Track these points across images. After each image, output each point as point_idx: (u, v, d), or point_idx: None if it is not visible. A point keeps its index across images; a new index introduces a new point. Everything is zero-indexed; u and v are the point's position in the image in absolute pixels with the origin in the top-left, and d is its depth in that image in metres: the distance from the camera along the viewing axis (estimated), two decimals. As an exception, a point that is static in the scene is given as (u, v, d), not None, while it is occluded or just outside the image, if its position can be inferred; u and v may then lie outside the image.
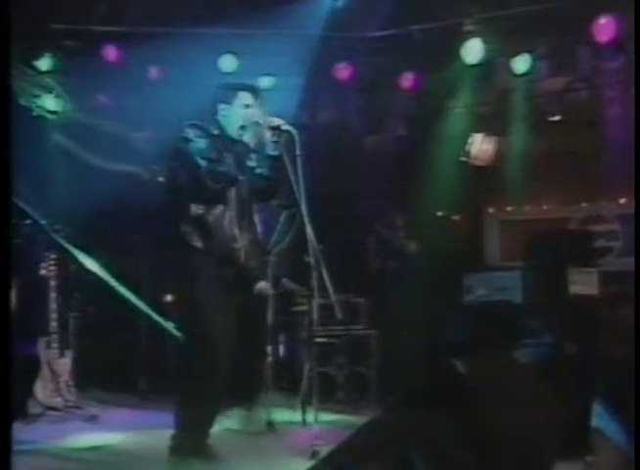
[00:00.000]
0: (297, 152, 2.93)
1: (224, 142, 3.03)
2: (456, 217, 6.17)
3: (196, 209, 2.92)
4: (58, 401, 4.16)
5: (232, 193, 3.00)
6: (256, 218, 3.14)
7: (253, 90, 3.10)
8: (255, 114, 3.04)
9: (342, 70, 5.47)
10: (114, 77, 5.22)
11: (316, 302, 3.10)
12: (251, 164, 3.12)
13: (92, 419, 4.09)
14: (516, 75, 5.19)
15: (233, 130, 3.04)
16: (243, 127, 3.02)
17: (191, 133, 2.95)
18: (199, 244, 2.93)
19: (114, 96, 5.41)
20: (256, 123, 3.01)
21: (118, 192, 4.87)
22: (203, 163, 2.90)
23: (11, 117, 1.96)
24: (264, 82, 5.14)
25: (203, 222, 2.93)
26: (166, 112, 4.85)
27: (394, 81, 5.53)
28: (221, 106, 3.06)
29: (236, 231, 2.99)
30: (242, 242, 3.01)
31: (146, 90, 5.18)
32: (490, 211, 6.28)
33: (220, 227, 2.95)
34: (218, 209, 2.95)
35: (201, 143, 2.94)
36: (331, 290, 2.98)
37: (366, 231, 5.45)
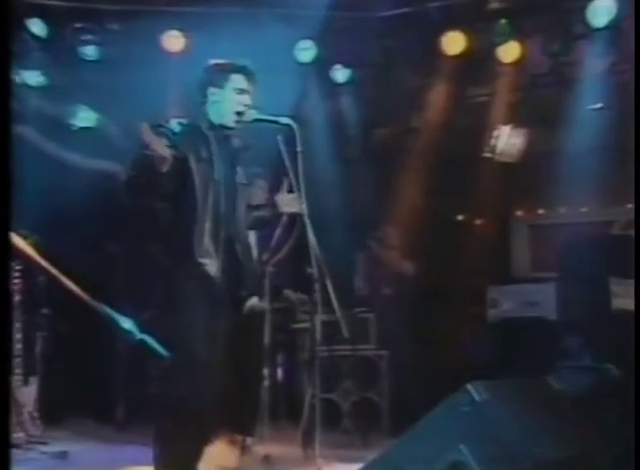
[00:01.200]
0: (299, 148, 2.93)
1: (210, 135, 3.02)
2: (479, 221, 6.18)
3: (163, 220, 2.93)
4: (20, 437, 4.11)
5: (210, 199, 2.95)
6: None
7: (247, 72, 3.08)
8: (250, 102, 3.04)
9: (348, 54, 5.48)
10: (90, 62, 5.26)
11: (319, 318, 3.12)
12: (244, 163, 3.13)
13: (61, 456, 4.04)
14: (549, 57, 5.18)
15: (224, 119, 3.04)
16: (239, 114, 3.01)
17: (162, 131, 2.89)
18: (167, 262, 2.94)
19: (90, 84, 5.44)
20: (252, 113, 3.03)
21: (94, 193, 4.89)
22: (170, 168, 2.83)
23: (11, 119, 2.00)
24: (260, 66, 5.19)
25: (171, 237, 2.94)
26: (147, 102, 4.88)
27: (408, 66, 5.55)
28: (212, 90, 3.05)
29: (210, 246, 2.94)
30: (218, 257, 2.96)
31: (126, 76, 5.22)
32: (519, 214, 6.29)
33: (190, 243, 2.92)
34: (191, 218, 2.92)
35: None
36: (336, 304, 2.99)
37: (369, 240, 5.47)
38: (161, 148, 2.77)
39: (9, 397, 1.88)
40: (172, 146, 2.87)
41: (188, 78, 4.79)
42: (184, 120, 3.01)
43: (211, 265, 2.94)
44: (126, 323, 3.64)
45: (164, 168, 2.80)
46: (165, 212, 2.92)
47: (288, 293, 4.63)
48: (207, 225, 2.94)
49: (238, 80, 3.04)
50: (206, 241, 2.94)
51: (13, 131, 2.04)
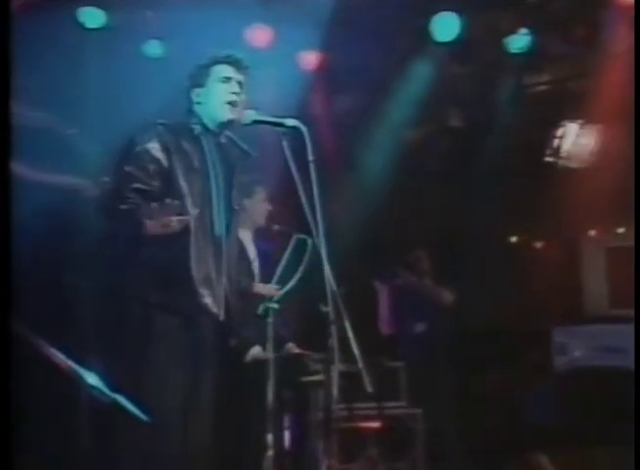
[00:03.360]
0: (310, 157, 3.03)
1: (203, 140, 3.21)
2: (539, 244, 6.27)
3: (151, 244, 3.03)
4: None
5: (207, 216, 3.14)
6: (251, 250, 3.29)
7: (232, 61, 3.28)
8: (240, 89, 3.22)
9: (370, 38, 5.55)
10: (38, 47, 5.43)
11: (336, 368, 3.19)
12: (240, 173, 3.32)
13: None
14: (630, 29, 5.08)
15: (216, 116, 3.24)
16: (231, 104, 3.20)
17: (155, 135, 3.11)
18: (155, 298, 3.07)
19: (35, 74, 5.57)
20: (250, 113, 3.16)
21: (53, 213, 5.01)
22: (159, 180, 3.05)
23: (10, 117, 2.21)
24: (253, 51, 5.28)
25: (160, 264, 3.06)
26: (118, 97, 5.07)
27: (444, 50, 5.55)
28: (195, 91, 3.28)
29: (212, 274, 3.11)
30: (220, 290, 3.13)
31: (86, 64, 5.40)
32: (592, 234, 6.36)
33: (186, 272, 3.06)
34: (184, 242, 3.06)
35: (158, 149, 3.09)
36: (357, 351, 3.03)
37: (398, 266, 5.59)
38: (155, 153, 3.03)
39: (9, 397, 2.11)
40: (162, 151, 3.10)
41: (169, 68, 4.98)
42: (168, 122, 3.21)
43: (212, 298, 3.11)
44: (92, 378, 3.77)
45: (153, 180, 3.04)
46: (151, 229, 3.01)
47: (290, 347, 4.71)
48: (205, 247, 3.11)
49: (221, 70, 3.26)
50: (205, 267, 3.10)
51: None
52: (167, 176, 3.10)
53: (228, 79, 3.24)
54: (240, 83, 3.26)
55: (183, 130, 3.21)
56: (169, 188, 3.08)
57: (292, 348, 4.68)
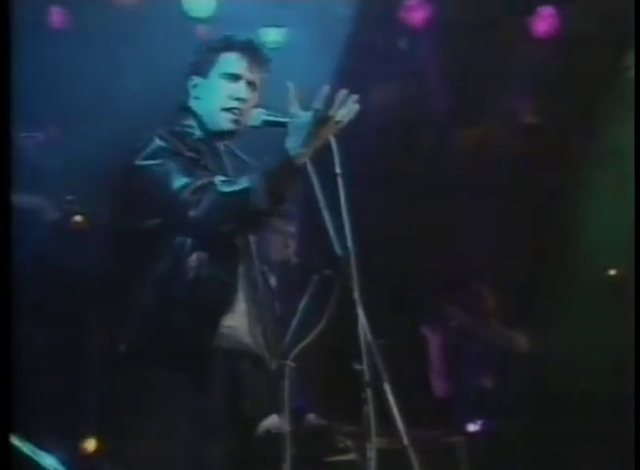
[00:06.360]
0: (337, 169, 3.11)
1: (204, 150, 3.28)
2: None
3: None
4: None
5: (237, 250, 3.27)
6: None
7: (247, 50, 3.33)
8: (250, 94, 3.29)
9: (413, 11, 5.77)
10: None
11: (373, 445, 3.24)
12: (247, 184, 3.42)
13: None
14: None
15: (213, 121, 3.31)
16: (230, 111, 3.27)
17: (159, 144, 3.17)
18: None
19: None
20: (258, 113, 3.24)
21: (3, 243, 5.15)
22: (182, 196, 3.08)
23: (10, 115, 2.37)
24: (269, 37, 5.53)
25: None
26: (83, 92, 5.25)
27: (513, 24, 5.76)
28: (194, 80, 3.35)
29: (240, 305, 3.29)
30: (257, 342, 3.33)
31: (41, 49, 5.57)
32: None
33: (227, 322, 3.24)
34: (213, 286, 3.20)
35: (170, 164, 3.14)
36: (400, 423, 3.07)
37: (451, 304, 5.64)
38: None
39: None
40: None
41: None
42: (166, 130, 3.24)
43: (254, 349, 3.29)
44: (48, 460, 3.80)
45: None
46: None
47: (312, 418, 4.74)
48: (241, 287, 3.29)
49: (229, 61, 3.32)
50: (240, 314, 3.31)
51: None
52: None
53: (235, 78, 3.29)
54: (252, 84, 3.31)
55: (181, 136, 3.26)
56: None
57: (314, 418, 4.74)
